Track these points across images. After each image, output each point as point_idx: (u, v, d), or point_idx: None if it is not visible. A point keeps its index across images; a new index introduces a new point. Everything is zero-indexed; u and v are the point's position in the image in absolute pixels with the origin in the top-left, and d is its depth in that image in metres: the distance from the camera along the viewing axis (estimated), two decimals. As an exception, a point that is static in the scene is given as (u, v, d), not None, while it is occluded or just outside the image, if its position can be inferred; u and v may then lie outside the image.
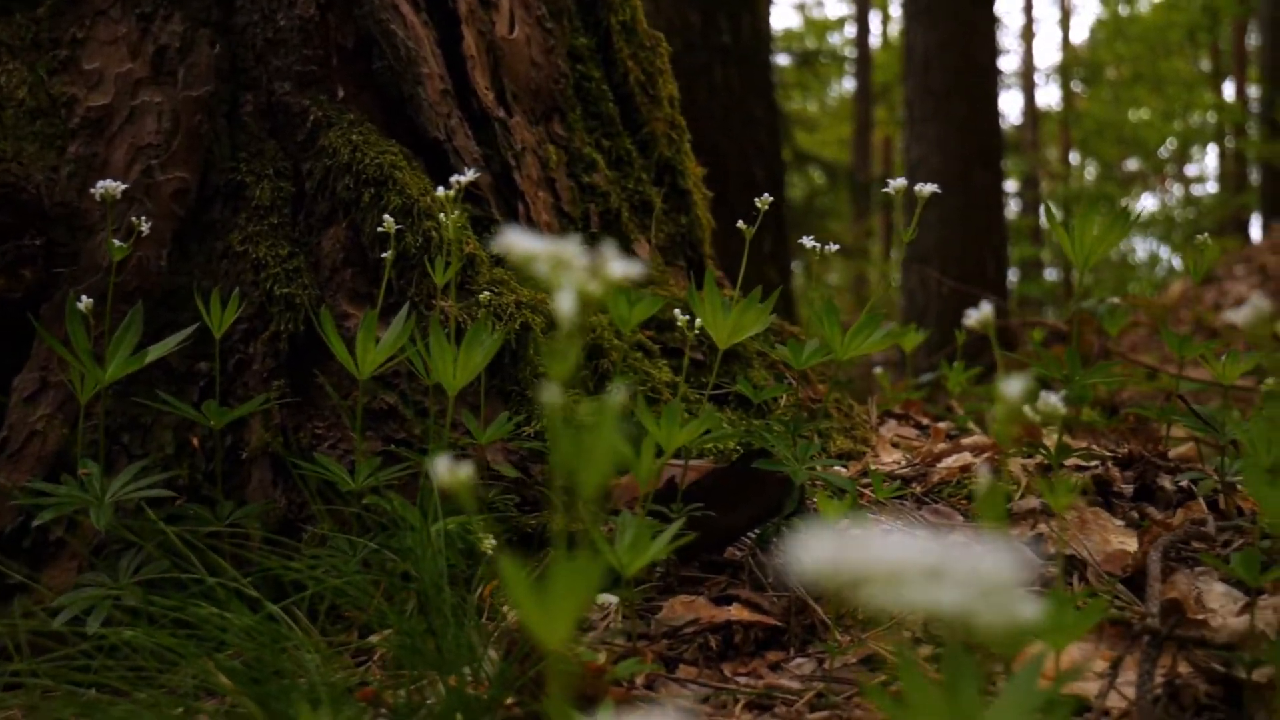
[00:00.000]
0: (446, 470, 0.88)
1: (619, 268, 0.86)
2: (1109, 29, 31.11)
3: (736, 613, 1.76)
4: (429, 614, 1.53)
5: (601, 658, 1.63)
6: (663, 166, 2.76)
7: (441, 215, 1.99)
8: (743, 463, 1.91)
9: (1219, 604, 1.79)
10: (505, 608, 1.75)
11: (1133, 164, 32.82)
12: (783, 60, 17.98)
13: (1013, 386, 0.90)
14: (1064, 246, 2.03)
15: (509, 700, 1.47)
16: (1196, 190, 34.04)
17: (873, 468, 2.27)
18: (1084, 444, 2.40)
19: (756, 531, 1.95)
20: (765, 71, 7.09)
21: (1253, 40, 24.87)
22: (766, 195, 1.94)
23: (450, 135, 2.32)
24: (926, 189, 1.83)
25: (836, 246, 2.07)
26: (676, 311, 1.92)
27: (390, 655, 1.64)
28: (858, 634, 1.73)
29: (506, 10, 2.51)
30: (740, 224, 2.01)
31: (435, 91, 2.32)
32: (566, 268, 0.85)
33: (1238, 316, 1.06)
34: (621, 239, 2.54)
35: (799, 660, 1.71)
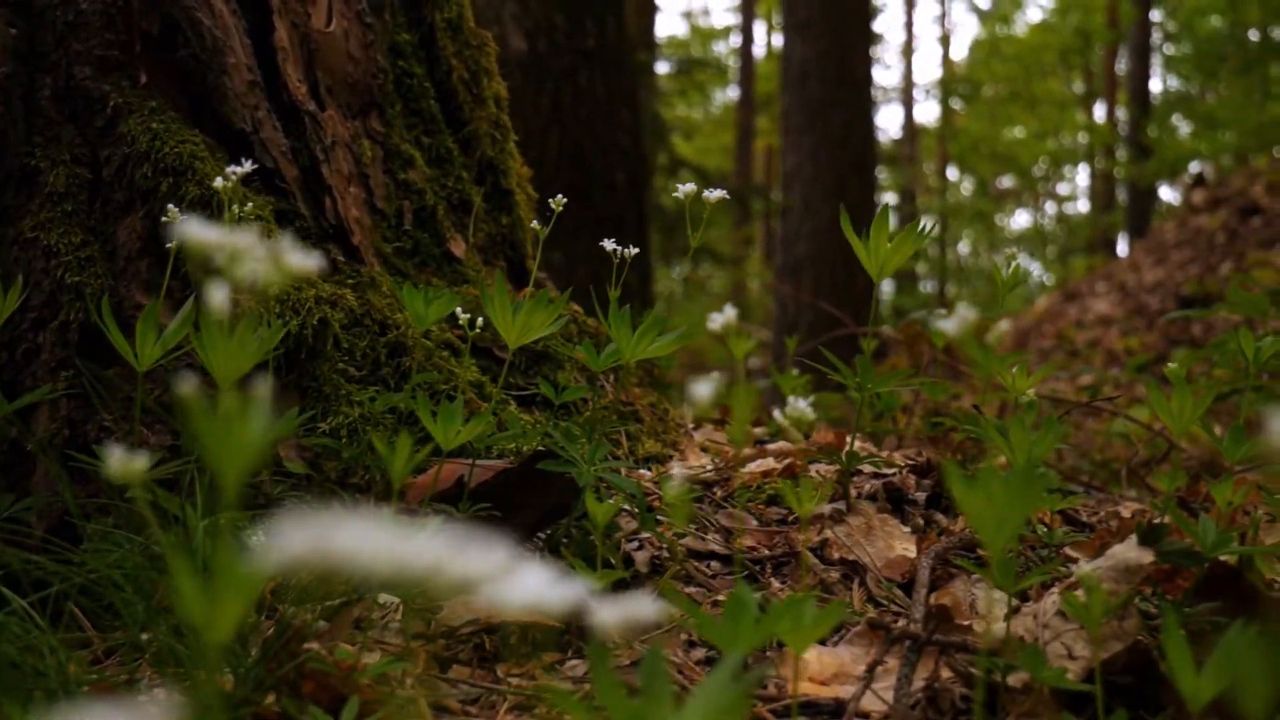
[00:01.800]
0: (118, 461, 0.86)
1: (297, 259, 0.85)
2: (986, 48, 31.81)
3: (515, 613, 1.76)
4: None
5: (374, 657, 1.62)
6: (485, 166, 2.75)
7: (235, 207, 1.96)
8: (530, 463, 1.91)
9: (989, 610, 1.83)
10: (283, 606, 1.72)
11: (1008, 181, 33.63)
12: (664, 67, 18.07)
13: (701, 389, 0.91)
14: (859, 256, 2.07)
15: (268, 699, 1.45)
16: (1069, 208, 35.03)
17: (674, 470, 2.28)
18: (881, 452, 2.44)
19: (548, 533, 1.95)
20: (630, 75, 7.11)
21: (1123, 65, 25.63)
22: (560, 197, 1.94)
23: (257, 127, 2.28)
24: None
25: (637, 250, 2.08)
26: (458, 310, 1.90)
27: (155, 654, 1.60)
28: (634, 637, 1.74)
29: (324, 3, 2.48)
30: (535, 224, 2.01)
31: (242, 82, 2.28)
32: (243, 258, 0.84)
33: (947, 325, 1.09)
34: (437, 237, 2.52)
35: (574, 662, 1.71)
